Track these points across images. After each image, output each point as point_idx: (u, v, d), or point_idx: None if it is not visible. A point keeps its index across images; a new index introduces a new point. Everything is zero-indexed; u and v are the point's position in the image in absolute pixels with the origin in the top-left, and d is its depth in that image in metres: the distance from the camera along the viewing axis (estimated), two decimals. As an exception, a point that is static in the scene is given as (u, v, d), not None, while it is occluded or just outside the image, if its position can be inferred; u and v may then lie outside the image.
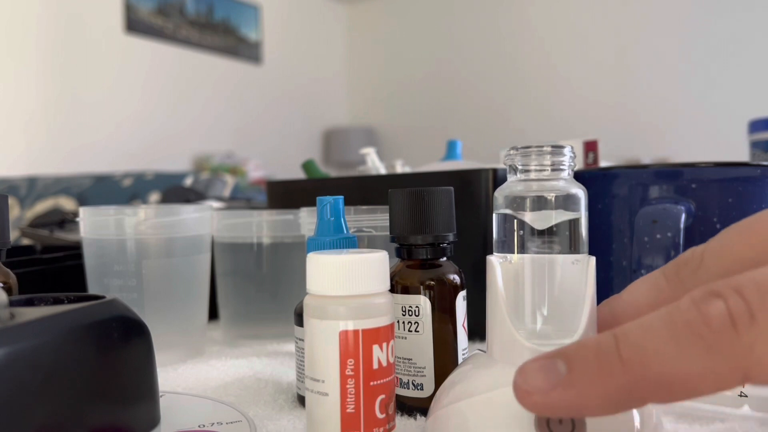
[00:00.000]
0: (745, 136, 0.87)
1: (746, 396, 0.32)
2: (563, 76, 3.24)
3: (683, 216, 0.43)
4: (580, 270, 0.29)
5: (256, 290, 0.55)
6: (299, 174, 0.81)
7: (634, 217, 0.45)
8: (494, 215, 0.30)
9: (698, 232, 0.46)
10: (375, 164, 0.78)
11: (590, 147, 0.72)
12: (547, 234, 0.29)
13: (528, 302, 0.29)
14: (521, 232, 0.29)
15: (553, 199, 0.29)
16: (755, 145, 0.84)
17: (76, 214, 0.54)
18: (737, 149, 1.07)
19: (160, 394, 0.28)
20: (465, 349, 0.35)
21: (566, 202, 0.29)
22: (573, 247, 0.29)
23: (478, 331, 0.52)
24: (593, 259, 0.29)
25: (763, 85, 2.73)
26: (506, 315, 0.28)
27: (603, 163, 0.82)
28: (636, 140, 2.97)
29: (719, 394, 0.33)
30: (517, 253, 0.29)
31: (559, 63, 3.24)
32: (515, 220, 0.29)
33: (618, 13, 3.06)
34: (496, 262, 0.29)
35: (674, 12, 2.93)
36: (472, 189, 0.53)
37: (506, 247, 0.30)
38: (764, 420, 0.32)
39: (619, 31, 3.06)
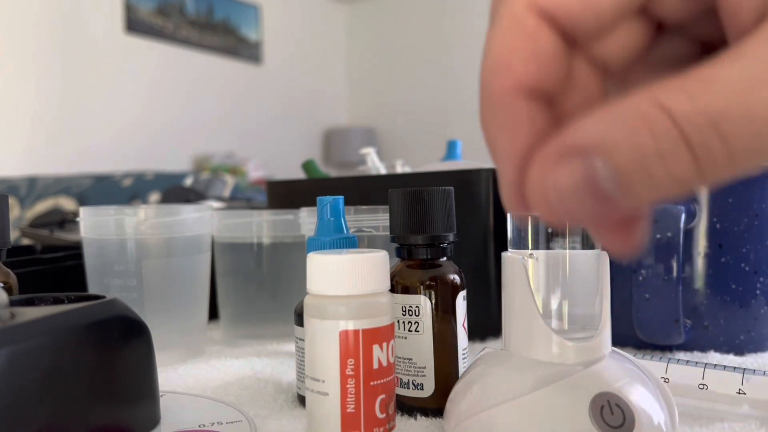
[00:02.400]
0: (745, 136, 0.87)
1: (745, 394, 0.33)
2: (563, 76, 3.24)
3: (683, 216, 0.43)
4: (594, 265, 0.30)
5: (256, 290, 0.55)
6: (299, 174, 0.81)
7: (634, 217, 0.45)
8: (509, 213, 0.31)
9: (698, 232, 0.46)
10: (375, 164, 0.78)
11: (590, 147, 0.72)
12: (561, 231, 0.29)
13: (546, 297, 0.30)
14: (536, 229, 0.30)
15: None
16: (755, 145, 0.84)
17: (76, 214, 0.54)
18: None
19: (161, 393, 0.28)
20: (465, 349, 0.35)
21: None
22: (586, 244, 0.30)
23: (478, 330, 0.52)
24: (606, 254, 0.30)
25: (763, 85, 2.73)
26: (536, 307, 0.28)
27: (603, 163, 0.82)
28: (636, 140, 2.96)
29: (719, 393, 0.33)
30: (532, 249, 0.30)
31: (559, 63, 3.24)
32: (529, 218, 0.30)
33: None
34: (519, 258, 0.30)
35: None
36: (472, 189, 0.53)
37: (522, 244, 0.30)
38: (764, 419, 0.32)
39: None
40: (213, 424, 0.31)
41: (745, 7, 0.17)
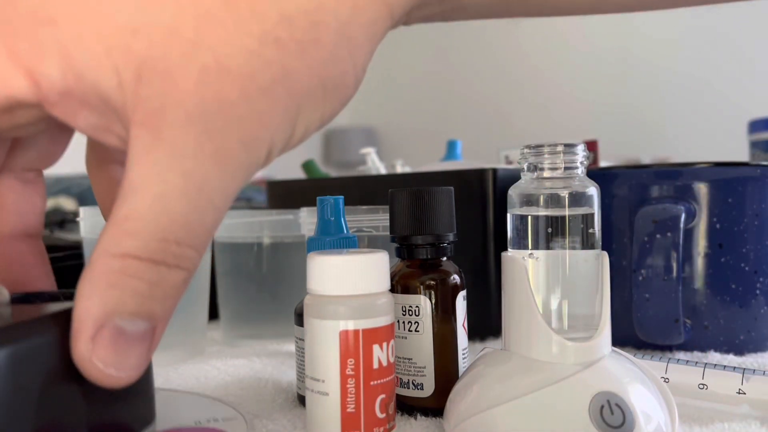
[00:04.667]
0: (745, 136, 0.88)
1: (745, 394, 0.33)
2: (563, 76, 3.24)
3: (683, 216, 0.43)
4: (593, 266, 0.30)
5: (256, 290, 0.55)
6: (299, 174, 0.81)
7: (634, 217, 0.45)
8: (508, 213, 0.31)
9: (698, 232, 0.46)
10: (375, 164, 0.78)
11: (590, 147, 0.72)
12: (561, 231, 0.29)
13: (546, 297, 0.30)
14: (536, 229, 0.30)
15: (567, 196, 0.29)
16: (755, 145, 0.84)
17: (76, 214, 0.54)
18: (737, 149, 1.07)
19: (156, 390, 0.28)
20: (465, 348, 0.35)
21: (579, 199, 0.29)
22: (586, 244, 0.30)
23: (478, 330, 0.52)
24: (606, 254, 0.30)
25: (763, 85, 2.73)
26: (536, 307, 0.29)
27: (603, 163, 0.82)
28: (636, 140, 2.97)
29: (719, 393, 0.33)
30: (532, 249, 0.30)
31: (559, 63, 3.24)
32: (529, 218, 0.30)
33: (617, 14, 3.06)
34: (519, 258, 0.30)
35: (674, 11, 2.93)
36: (472, 189, 0.53)
37: (521, 244, 0.30)
38: (764, 419, 0.32)
39: (619, 30, 3.07)
40: (209, 420, 0.31)
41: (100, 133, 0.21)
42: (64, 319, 0.21)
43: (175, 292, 0.20)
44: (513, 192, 0.31)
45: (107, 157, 0.27)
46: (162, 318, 0.20)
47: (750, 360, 0.45)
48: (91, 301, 0.19)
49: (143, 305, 0.20)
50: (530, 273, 0.30)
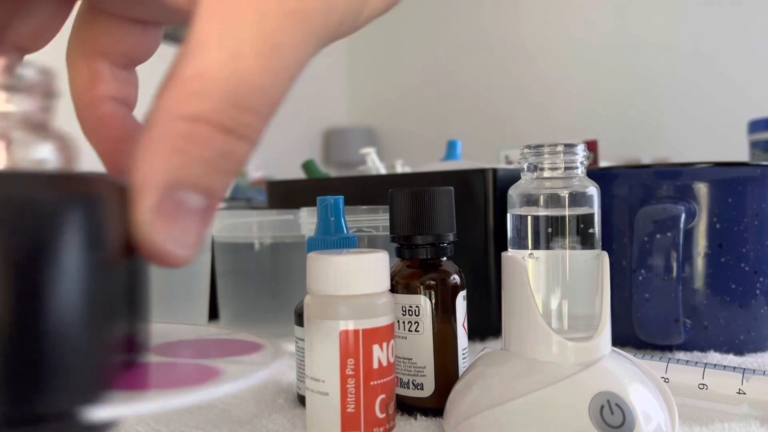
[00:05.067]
0: (745, 136, 0.88)
1: (745, 394, 0.33)
2: (563, 76, 3.24)
3: (683, 216, 0.43)
4: (593, 266, 0.30)
5: (256, 290, 0.55)
6: (299, 174, 0.81)
7: (634, 217, 0.45)
8: (508, 213, 0.31)
9: (698, 232, 0.46)
10: (375, 164, 0.78)
11: (590, 147, 0.72)
12: (561, 231, 0.29)
13: (546, 297, 0.30)
14: (536, 229, 0.30)
15: (566, 196, 0.29)
16: (755, 145, 0.84)
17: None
18: (737, 149, 1.07)
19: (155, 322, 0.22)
20: (465, 348, 0.35)
21: (579, 199, 0.29)
22: (586, 244, 0.30)
23: (478, 330, 0.52)
24: (606, 254, 0.30)
25: (763, 85, 2.73)
26: (536, 307, 0.29)
27: (603, 163, 0.82)
28: (636, 140, 2.97)
29: (719, 393, 0.33)
30: (532, 249, 0.30)
31: (559, 63, 3.24)
32: (529, 218, 0.30)
33: (617, 13, 3.06)
34: (519, 258, 0.30)
35: (674, 12, 2.93)
36: (472, 189, 0.53)
37: (521, 244, 0.30)
38: (764, 419, 0.32)
39: (618, 30, 3.06)
40: (218, 335, 0.26)
41: None
42: (118, 188, 0.17)
43: (238, 167, 0.18)
44: (513, 192, 0.31)
45: (94, 48, 0.24)
46: (219, 196, 0.18)
47: (750, 360, 0.45)
48: (154, 167, 0.17)
49: (206, 178, 0.17)
50: (530, 273, 0.30)
